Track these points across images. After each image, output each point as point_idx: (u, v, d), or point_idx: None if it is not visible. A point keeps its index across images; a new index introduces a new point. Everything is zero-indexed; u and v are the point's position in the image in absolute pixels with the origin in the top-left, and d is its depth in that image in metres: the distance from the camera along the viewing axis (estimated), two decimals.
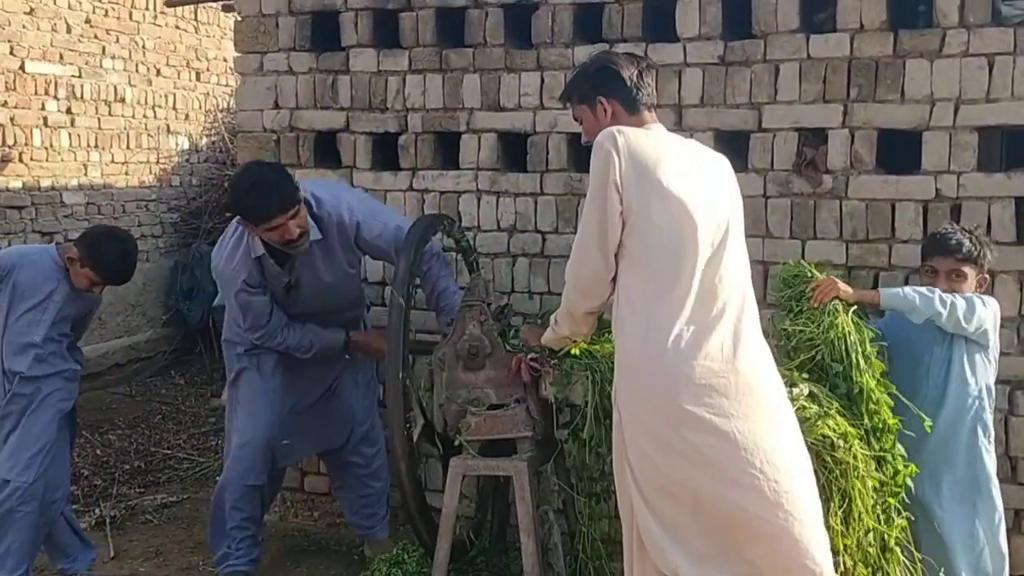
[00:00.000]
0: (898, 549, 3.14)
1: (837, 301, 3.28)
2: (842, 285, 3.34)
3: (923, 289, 3.37)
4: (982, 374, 3.43)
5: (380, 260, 4.26)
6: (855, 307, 3.33)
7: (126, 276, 4.20)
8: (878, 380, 3.22)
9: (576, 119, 3.07)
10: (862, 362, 3.18)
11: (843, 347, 3.18)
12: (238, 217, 3.84)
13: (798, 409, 2.97)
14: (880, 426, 3.15)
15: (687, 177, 2.77)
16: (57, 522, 4.11)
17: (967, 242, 3.43)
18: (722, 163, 2.99)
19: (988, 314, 3.38)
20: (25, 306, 3.99)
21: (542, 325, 3.39)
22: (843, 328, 3.19)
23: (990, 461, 3.46)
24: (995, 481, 3.46)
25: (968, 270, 3.42)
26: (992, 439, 3.47)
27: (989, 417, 3.45)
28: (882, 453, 3.11)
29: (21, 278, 3.99)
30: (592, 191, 2.79)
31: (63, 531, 4.17)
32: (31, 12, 7.49)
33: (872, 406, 3.15)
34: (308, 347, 4.05)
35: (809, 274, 3.38)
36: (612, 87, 2.93)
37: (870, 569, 3.04)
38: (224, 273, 3.93)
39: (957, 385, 3.41)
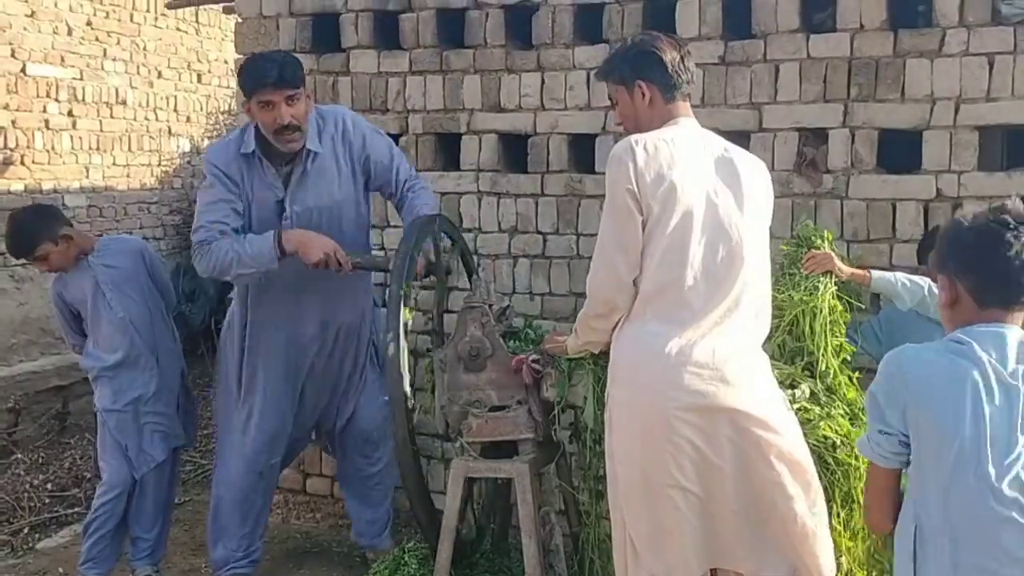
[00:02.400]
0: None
1: (828, 275, 3.28)
2: (837, 261, 3.36)
3: (916, 278, 3.38)
4: None
5: (378, 190, 4.05)
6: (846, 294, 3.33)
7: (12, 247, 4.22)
8: (842, 361, 3.22)
9: (610, 99, 3.02)
10: (828, 341, 3.16)
11: (808, 321, 3.17)
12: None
13: (799, 410, 2.97)
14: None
15: (701, 185, 2.73)
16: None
17: None
18: (751, 165, 2.90)
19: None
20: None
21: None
22: (819, 303, 3.18)
23: None
24: None
25: None
26: None
27: None
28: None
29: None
30: (609, 202, 2.76)
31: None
32: (32, 15, 7.50)
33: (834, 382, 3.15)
34: (237, 255, 3.64)
35: (817, 241, 3.39)
36: (653, 71, 2.85)
37: (870, 570, 3.04)
38: (206, 159, 3.82)
39: None
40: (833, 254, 3.38)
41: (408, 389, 3.45)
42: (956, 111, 3.75)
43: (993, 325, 2.02)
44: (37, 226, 4.09)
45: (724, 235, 2.73)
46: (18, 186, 7.42)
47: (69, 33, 7.82)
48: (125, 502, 4.16)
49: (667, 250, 2.69)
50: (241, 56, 4.83)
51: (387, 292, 4.19)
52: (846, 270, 3.38)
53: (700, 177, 2.74)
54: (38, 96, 7.55)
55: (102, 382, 4.18)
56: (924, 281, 3.36)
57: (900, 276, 3.40)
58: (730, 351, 2.68)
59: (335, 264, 3.64)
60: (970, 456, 1.94)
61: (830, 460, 2.95)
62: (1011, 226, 1.99)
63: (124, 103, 8.38)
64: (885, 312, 3.67)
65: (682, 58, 2.87)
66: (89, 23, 8.02)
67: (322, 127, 3.82)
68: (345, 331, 4.05)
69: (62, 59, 7.75)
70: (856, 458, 2.93)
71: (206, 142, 9.26)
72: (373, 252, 4.32)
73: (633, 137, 2.75)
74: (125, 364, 4.14)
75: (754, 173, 2.88)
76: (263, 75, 3.61)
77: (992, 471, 1.94)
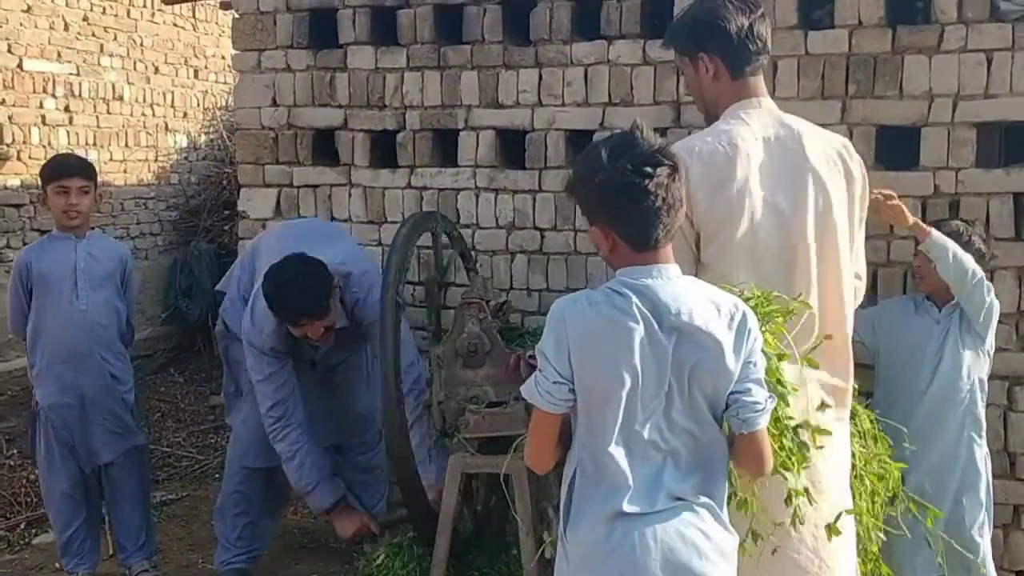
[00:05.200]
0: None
1: None
2: (907, 211, 3.34)
3: (969, 258, 3.32)
4: (975, 367, 3.43)
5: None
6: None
7: None
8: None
9: (676, 67, 2.79)
10: None
11: None
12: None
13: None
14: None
15: (763, 194, 2.47)
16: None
17: (964, 237, 3.43)
18: (828, 154, 2.57)
19: (995, 302, 3.40)
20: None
21: None
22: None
23: (980, 456, 3.44)
24: (986, 478, 3.45)
25: None
26: (983, 434, 3.46)
27: (981, 411, 3.45)
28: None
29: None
30: None
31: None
32: (29, 10, 7.48)
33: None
34: (292, 469, 3.86)
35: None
36: (718, 43, 2.53)
37: (868, 567, 3.03)
38: (255, 337, 3.81)
39: (948, 376, 3.41)
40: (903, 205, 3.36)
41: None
42: (954, 108, 3.76)
43: (652, 268, 2.11)
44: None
45: (790, 247, 2.49)
46: (14, 181, 7.41)
47: (66, 28, 7.81)
48: (83, 495, 4.17)
49: (726, 265, 2.46)
50: (238, 52, 4.83)
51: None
52: (910, 219, 3.36)
53: (764, 183, 2.48)
54: (35, 91, 7.54)
55: (46, 378, 4.12)
56: (973, 266, 3.31)
57: (955, 246, 3.32)
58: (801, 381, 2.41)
59: (368, 533, 3.97)
60: (626, 411, 2.06)
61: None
62: (650, 174, 2.06)
63: (121, 99, 8.36)
64: (884, 303, 3.68)
65: (752, 25, 2.52)
66: (86, 18, 8.00)
67: (346, 299, 3.83)
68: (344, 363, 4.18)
69: (59, 54, 7.73)
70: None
71: (203, 137, 9.27)
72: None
73: (685, 145, 2.50)
74: (73, 360, 4.09)
75: (831, 164, 2.56)
76: (296, 312, 3.63)
77: (640, 425, 2.08)
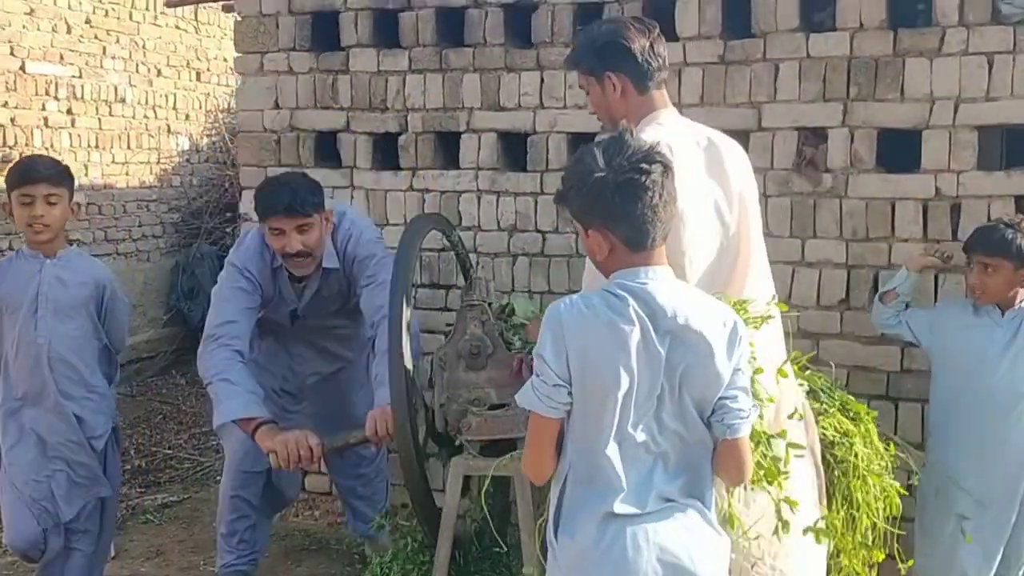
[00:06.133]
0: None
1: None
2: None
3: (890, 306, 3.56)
4: None
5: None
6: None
7: None
8: None
9: (582, 88, 2.89)
10: None
11: None
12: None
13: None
14: None
15: (700, 186, 2.62)
16: None
17: (999, 235, 3.34)
18: (737, 154, 2.80)
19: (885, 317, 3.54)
20: None
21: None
22: None
23: None
24: None
25: (999, 263, 3.33)
26: None
27: None
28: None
29: None
30: None
31: None
32: (31, 12, 7.49)
33: None
34: (213, 389, 3.54)
35: None
36: (622, 62, 2.68)
37: (870, 569, 3.03)
38: (239, 260, 3.74)
39: (1014, 379, 3.31)
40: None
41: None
42: (955, 110, 3.76)
43: (648, 270, 2.13)
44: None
45: (724, 234, 2.65)
46: None
47: (68, 31, 7.81)
48: (40, 556, 3.64)
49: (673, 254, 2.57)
50: (240, 55, 4.84)
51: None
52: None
53: (702, 179, 2.64)
54: (37, 94, 7.54)
55: (7, 418, 3.64)
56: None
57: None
58: None
59: (301, 463, 3.42)
60: (621, 413, 2.08)
61: (829, 457, 2.95)
62: (647, 172, 2.09)
63: (123, 101, 8.36)
64: (941, 304, 3.63)
65: (652, 44, 2.70)
66: (88, 21, 8.01)
67: (337, 241, 3.78)
68: (345, 364, 4.17)
69: (61, 57, 7.74)
70: (856, 455, 2.93)
71: (205, 140, 9.27)
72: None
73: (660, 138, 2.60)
74: (28, 400, 3.60)
75: (741, 162, 2.79)
76: (273, 203, 3.57)
77: (632, 427, 2.09)
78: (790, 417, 2.63)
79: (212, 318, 3.70)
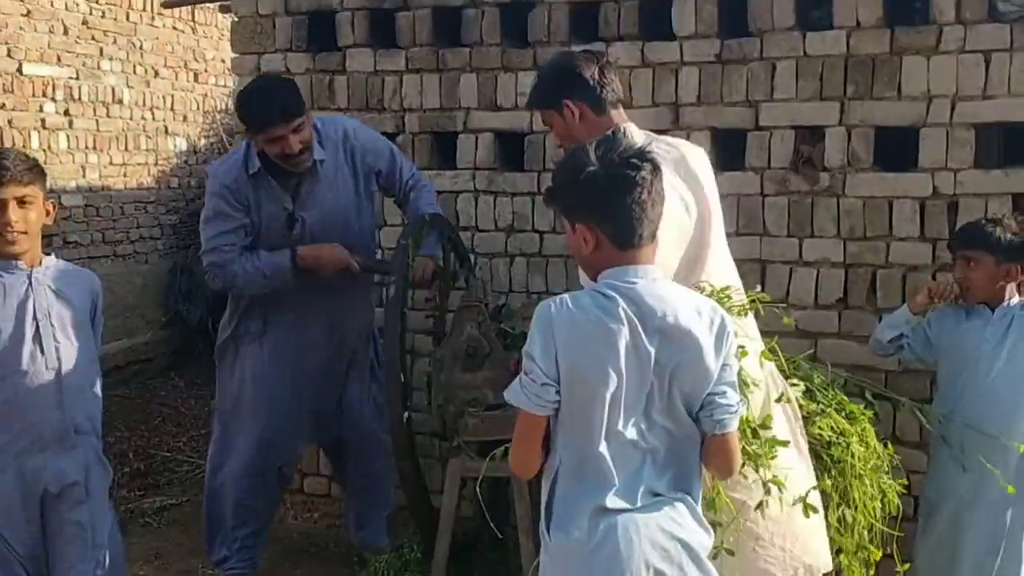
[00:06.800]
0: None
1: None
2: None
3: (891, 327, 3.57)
4: None
5: (383, 191, 4.15)
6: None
7: None
8: None
9: (546, 124, 3.03)
10: None
11: None
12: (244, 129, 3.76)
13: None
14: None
15: (674, 194, 2.71)
16: None
17: (979, 229, 3.36)
18: (702, 159, 2.93)
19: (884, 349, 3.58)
20: None
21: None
22: None
23: None
24: None
25: (980, 257, 3.34)
26: None
27: None
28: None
29: None
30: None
31: None
32: (28, 14, 7.48)
33: None
34: (256, 274, 3.74)
35: None
36: (575, 89, 2.85)
37: (867, 568, 3.03)
38: (211, 176, 3.81)
39: (1013, 371, 3.31)
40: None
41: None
42: (952, 109, 3.75)
43: (636, 269, 2.15)
44: None
45: (697, 240, 2.76)
46: None
47: (65, 32, 7.80)
48: None
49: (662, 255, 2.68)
50: (237, 56, 4.83)
51: (384, 292, 4.20)
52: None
53: (675, 185, 2.71)
54: (34, 95, 7.53)
55: None
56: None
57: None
58: None
59: (349, 265, 3.79)
60: (611, 411, 2.10)
61: (826, 458, 2.95)
62: (638, 168, 2.12)
63: (121, 102, 8.35)
64: (934, 314, 3.58)
65: (601, 69, 2.86)
66: (85, 22, 8.00)
67: (323, 134, 3.84)
68: (351, 336, 4.08)
69: (58, 58, 7.73)
70: (852, 455, 2.93)
71: (203, 141, 9.25)
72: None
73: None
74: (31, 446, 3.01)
75: (706, 167, 2.91)
76: (268, 114, 3.62)
77: (622, 425, 2.12)
78: (777, 401, 2.73)
79: (209, 243, 3.81)
